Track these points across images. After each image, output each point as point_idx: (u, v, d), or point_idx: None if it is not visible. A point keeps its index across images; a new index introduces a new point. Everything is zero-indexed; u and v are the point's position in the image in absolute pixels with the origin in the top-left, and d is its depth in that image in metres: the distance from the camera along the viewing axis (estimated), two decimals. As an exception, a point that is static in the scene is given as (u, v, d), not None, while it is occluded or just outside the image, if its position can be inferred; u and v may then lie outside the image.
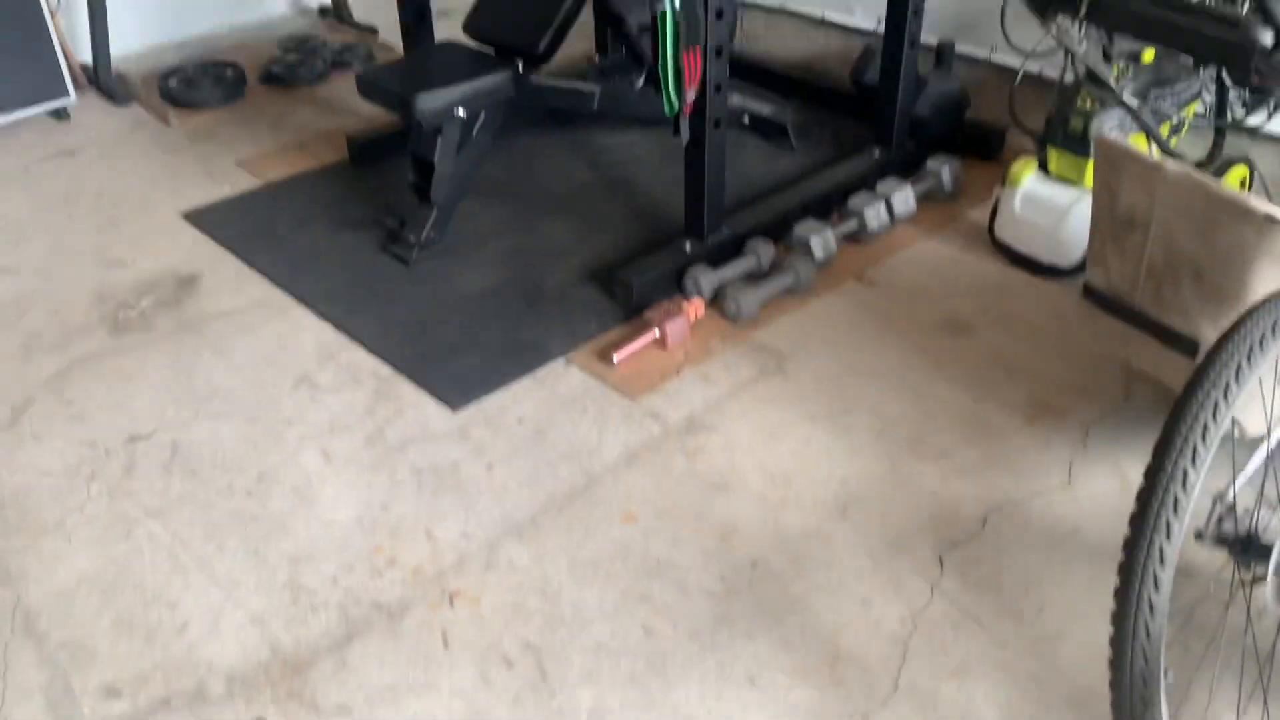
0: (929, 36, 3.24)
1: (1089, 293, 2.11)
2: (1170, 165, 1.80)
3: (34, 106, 3.73)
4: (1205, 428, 1.28)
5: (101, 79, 3.97)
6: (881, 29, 3.18)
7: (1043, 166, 2.75)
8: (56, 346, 2.64)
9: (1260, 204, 1.69)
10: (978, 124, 3.35)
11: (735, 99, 3.51)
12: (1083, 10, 1.81)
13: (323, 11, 4.71)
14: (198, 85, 3.90)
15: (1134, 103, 2.04)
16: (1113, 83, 2.01)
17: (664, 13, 2.37)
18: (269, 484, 2.21)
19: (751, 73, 3.84)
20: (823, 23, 3.90)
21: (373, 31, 4.46)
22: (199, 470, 2.25)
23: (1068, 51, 2.13)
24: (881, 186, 3.02)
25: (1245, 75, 1.61)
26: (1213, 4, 1.76)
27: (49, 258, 3.02)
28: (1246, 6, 1.70)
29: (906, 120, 3.18)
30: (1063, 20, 1.88)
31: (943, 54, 3.28)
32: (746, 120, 3.54)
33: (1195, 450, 1.27)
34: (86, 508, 2.16)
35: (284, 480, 2.21)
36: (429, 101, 2.72)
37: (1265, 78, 1.69)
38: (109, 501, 2.17)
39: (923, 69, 3.22)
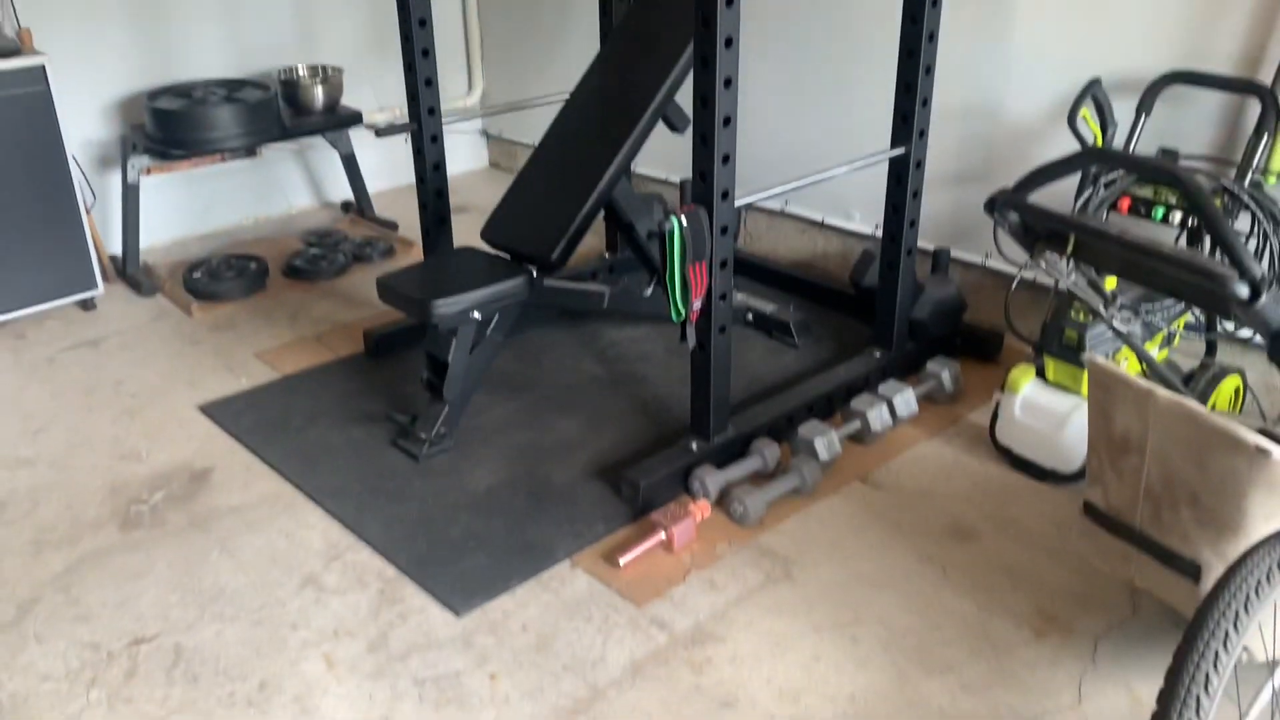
0: (925, 243, 3.38)
1: (1089, 510, 2.14)
2: (1161, 392, 1.86)
3: (63, 298, 3.85)
4: (1208, 678, 1.28)
5: (129, 271, 4.13)
6: (879, 233, 3.31)
7: (1040, 374, 2.82)
8: (66, 541, 2.66)
9: (1250, 434, 1.74)
10: (975, 327, 3.45)
11: (739, 297, 3.64)
12: (1069, 248, 1.91)
13: (345, 206, 4.91)
14: (221, 278, 4.04)
15: (1124, 327, 2.12)
16: (1102, 311, 2.10)
17: (671, 230, 2.49)
18: (270, 692, 2.18)
19: (754, 271, 4.00)
20: (823, 225, 4.07)
21: (393, 226, 4.63)
22: (201, 676, 2.23)
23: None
24: (883, 388, 3.08)
25: (1225, 319, 1.69)
26: (1189, 254, 1.85)
27: (65, 449, 3.07)
28: (1219, 256, 1.80)
29: (906, 323, 3.28)
30: (1050, 255, 1.99)
31: (939, 260, 3.41)
32: (750, 317, 3.66)
33: (1199, 701, 1.28)
34: (84, 716, 2.13)
35: (286, 689, 2.19)
36: (446, 306, 2.83)
37: (1243, 323, 1.76)
38: (108, 710, 2.15)
39: (920, 273, 3.34)
